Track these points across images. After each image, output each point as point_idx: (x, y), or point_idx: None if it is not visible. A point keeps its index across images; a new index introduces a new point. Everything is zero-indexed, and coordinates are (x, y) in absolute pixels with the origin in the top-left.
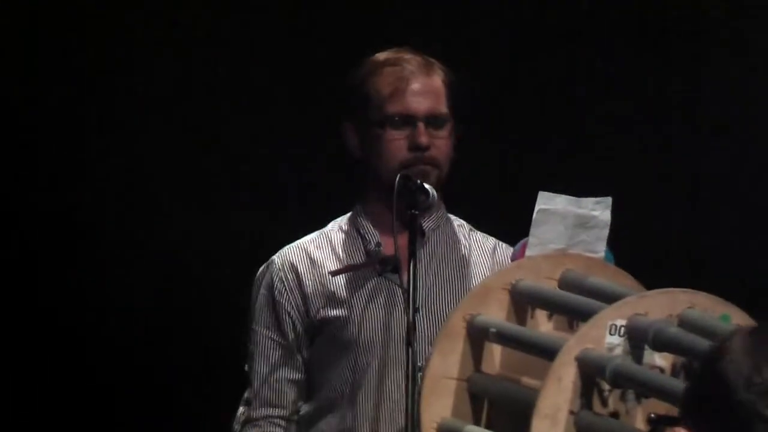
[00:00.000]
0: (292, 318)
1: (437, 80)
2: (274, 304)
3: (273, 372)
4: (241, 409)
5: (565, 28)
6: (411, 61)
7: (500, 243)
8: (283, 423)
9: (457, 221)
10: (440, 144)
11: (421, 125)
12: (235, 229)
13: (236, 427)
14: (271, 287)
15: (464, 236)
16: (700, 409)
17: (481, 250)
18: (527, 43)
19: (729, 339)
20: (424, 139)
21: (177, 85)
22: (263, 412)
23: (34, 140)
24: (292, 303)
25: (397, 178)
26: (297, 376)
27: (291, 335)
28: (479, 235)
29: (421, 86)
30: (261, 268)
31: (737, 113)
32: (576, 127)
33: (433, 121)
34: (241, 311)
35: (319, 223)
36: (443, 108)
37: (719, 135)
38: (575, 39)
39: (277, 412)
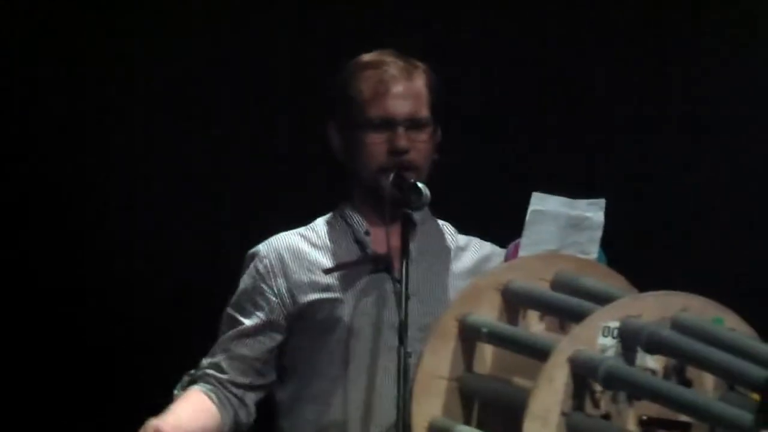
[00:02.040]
0: (270, 305)
1: (419, 83)
2: (254, 290)
3: (232, 346)
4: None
5: (567, 28)
6: (392, 64)
7: (491, 245)
8: (214, 383)
9: (440, 222)
10: (420, 147)
11: (400, 129)
12: (236, 228)
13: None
14: (253, 275)
15: (450, 234)
16: None
17: (468, 248)
18: (527, 44)
19: None
20: (403, 143)
21: (176, 86)
22: (206, 368)
23: (34, 141)
24: (275, 289)
25: (391, 177)
26: (254, 356)
27: (264, 319)
28: (462, 237)
29: (402, 90)
30: (246, 257)
31: (735, 113)
32: (571, 129)
33: (412, 124)
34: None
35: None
36: (424, 111)
37: (717, 137)
38: (577, 39)
39: (218, 374)
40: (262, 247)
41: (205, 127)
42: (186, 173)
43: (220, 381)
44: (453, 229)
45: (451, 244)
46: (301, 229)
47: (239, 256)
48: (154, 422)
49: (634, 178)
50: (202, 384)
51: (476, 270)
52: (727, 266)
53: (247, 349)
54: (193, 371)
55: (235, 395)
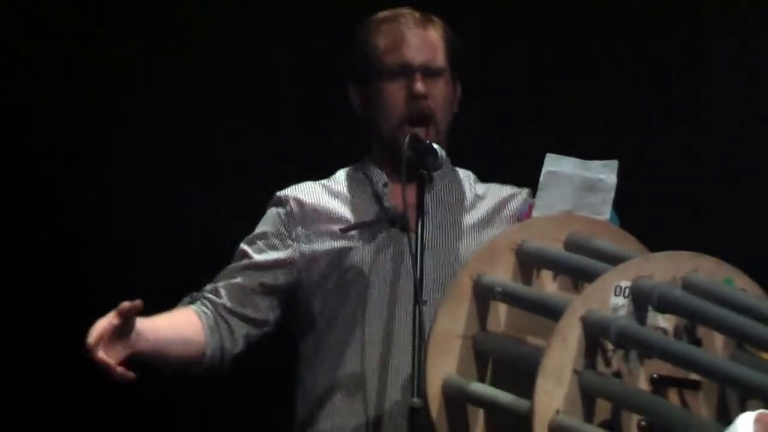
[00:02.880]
0: (285, 246)
1: (434, 34)
2: (271, 231)
3: (235, 275)
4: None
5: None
6: (407, 15)
7: (509, 188)
8: (208, 306)
9: (463, 172)
10: (437, 95)
11: (417, 75)
12: (237, 228)
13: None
14: (273, 217)
15: (470, 185)
16: None
17: (489, 197)
18: (527, 38)
19: None
20: (420, 87)
21: (176, 86)
22: (206, 292)
23: (34, 140)
24: (292, 234)
25: (407, 138)
26: (252, 287)
27: (274, 257)
28: (483, 185)
29: (417, 39)
30: (271, 200)
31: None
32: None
33: (429, 72)
34: None
35: None
36: (440, 60)
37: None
38: (577, 33)
39: (215, 297)
40: (286, 192)
41: (205, 128)
42: (191, 176)
43: (214, 304)
44: (474, 178)
45: (468, 195)
46: (324, 180)
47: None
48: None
49: (649, 139)
50: (197, 304)
51: (492, 217)
52: (740, 228)
53: (249, 279)
54: (194, 293)
55: (226, 321)
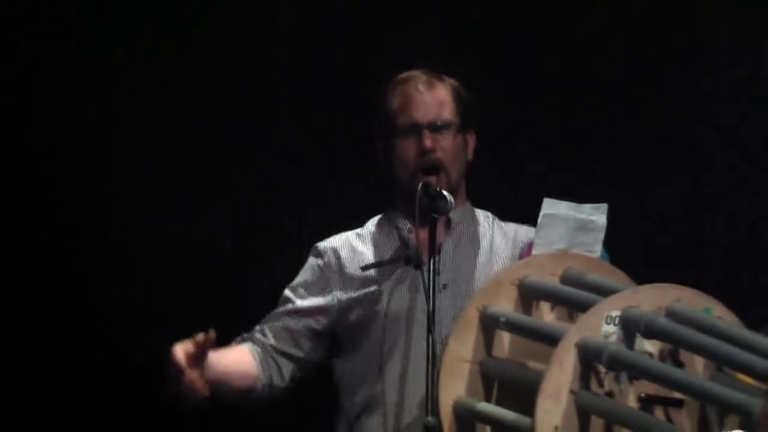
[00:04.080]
0: (324, 295)
1: (441, 92)
2: (312, 280)
3: (280, 318)
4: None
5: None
6: (418, 78)
7: (520, 226)
8: (259, 345)
9: (482, 213)
10: (445, 146)
11: (426, 132)
12: (238, 229)
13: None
14: (314, 267)
15: (488, 224)
16: None
17: (503, 235)
18: (530, 46)
19: None
20: (428, 143)
21: (176, 86)
22: (255, 332)
23: (33, 140)
24: (330, 283)
25: (419, 187)
26: (297, 329)
27: (315, 304)
28: (501, 223)
29: (426, 99)
30: (310, 251)
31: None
32: (571, 134)
33: (436, 127)
34: (245, 312)
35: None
36: (446, 116)
37: (716, 140)
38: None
39: (263, 338)
40: (324, 244)
41: (206, 129)
42: (192, 175)
43: (263, 344)
44: (492, 217)
45: (486, 234)
46: (357, 230)
47: (245, 258)
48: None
49: (633, 184)
50: (250, 343)
51: (507, 254)
52: (716, 262)
53: (293, 322)
54: (245, 333)
55: (274, 360)
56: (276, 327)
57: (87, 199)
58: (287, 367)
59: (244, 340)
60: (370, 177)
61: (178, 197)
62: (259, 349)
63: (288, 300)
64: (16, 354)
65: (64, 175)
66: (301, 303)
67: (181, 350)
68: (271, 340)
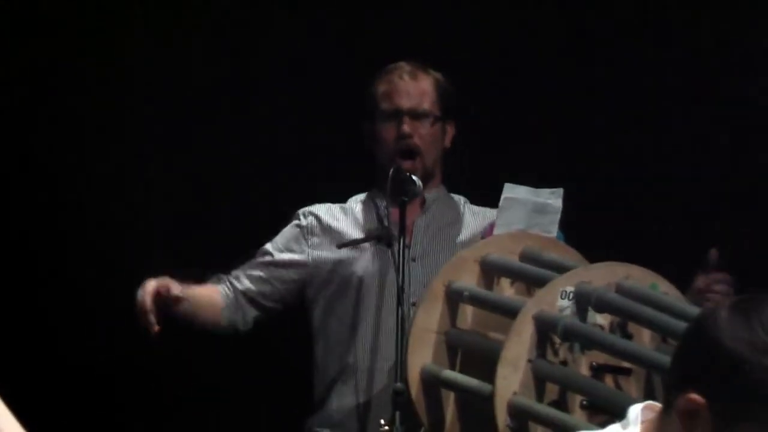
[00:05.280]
0: (301, 251)
1: (424, 83)
2: (292, 237)
3: (257, 267)
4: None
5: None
6: (403, 68)
7: (490, 209)
8: (231, 289)
9: (455, 197)
10: (423, 133)
11: (405, 118)
12: (237, 227)
13: None
14: (295, 227)
15: (460, 206)
16: (706, 375)
17: (472, 215)
18: (524, 44)
19: (713, 312)
20: (405, 128)
21: (176, 86)
22: (229, 275)
23: (33, 141)
24: (309, 243)
25: (391, 171)
26: (268, 278)
27: (290, 258)
28: (473, 206)
29: (408, 88)
30: (295, 214)
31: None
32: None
33: (415, 114)
34: None
35: None
36: (426, 105)
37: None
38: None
39: (236, 282)
40: (308, 209)
41: (206, 130)
42: (191, 176)
43: (234, 288)
44: (465, 201)
45: (459, 216)
46: (341, 204)
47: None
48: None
49: (587, 170)
50: (223, 285)
51: (477, 235)
52: (661, 240)
53: (268, 273)
54: (220, 274)
55: (241, 305)
56: (251, 275)
57: (87, 199)
58: (252, 313)
59: (218, 281)
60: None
61: (178, 197)
62: (229, 292)
63: (266, 252)
64: (16, 354)
65: (63, 176)
66: (279, 256)
67: (150, 292)
68: (244, 286)
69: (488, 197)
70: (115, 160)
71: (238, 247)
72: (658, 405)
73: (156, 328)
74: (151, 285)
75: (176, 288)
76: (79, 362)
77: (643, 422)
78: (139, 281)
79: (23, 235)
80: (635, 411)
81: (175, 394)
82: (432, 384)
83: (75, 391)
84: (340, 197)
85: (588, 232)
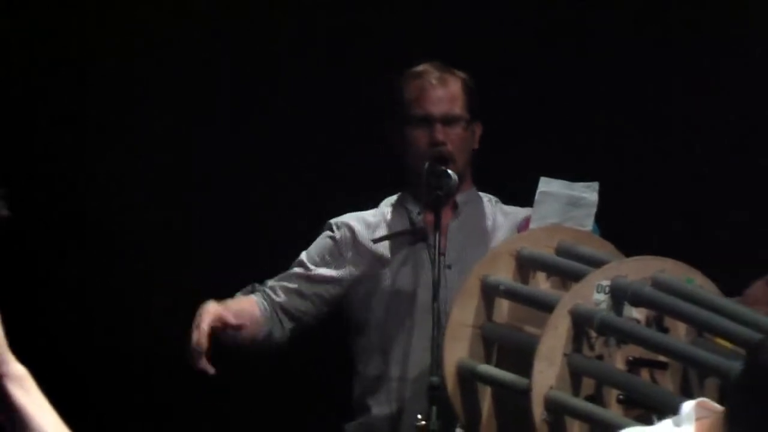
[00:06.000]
0: (337, 267)
1: (454, 88)
2: (327, 250)
3: (294, 280)
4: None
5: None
6: (432, 72)
7: (521, 208)
8: (267, 300)
9: (486, 197)
10: (455, 139)
11: (437, 125)
12: (237, 226)
13: None
14: (328, 239)
15: (491, 207)
16: (745, 399)
17: (504, 216)
18: (529, 42)
19: None
20: (439, 136)
21: (177, 86)
22: (266, 288)
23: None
24: (345, 257)
25: (426, 165)
26: (306, 293)
27: (327, 274)
28: (503, 206)
29: (439, 93)
30: (325, 225)
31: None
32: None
33: (447, 120)
34: None
35: None
36: (457, 110)
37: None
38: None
39: (273, 295)
40: (339, 220)
41: (206, 131)
42: (192, 176)
43: (272, 300)
44: (495, 201)
45: (490, 217)
46: (371, 210)
47: (249, 260)
48: (217, 308)
49: (623, 165)
50: (258, 295)
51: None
52: (698, 234)
53: (305, 287)
54: (256, 284)
55: (278, 316)
56: (287, 287)
57: (86, 198)
58: (289, 325)
59: (253, 291)
60: (382, 170)
61: (178, 197)
62: (266, 303)
63: (302, 264)
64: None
65: (63, 174)
66: (315, 270)
67: (206, 332)
68: (281, 299)
69: (517, 196)
70: (115, 160)
71: (238, 247)
72: (710, 403)
73: (211, 371)
74: (206, 323)
75: (230, 318)
76: (78, 362)
77: (698, 419)
78: (139, 281)
79: (23, 235)
80: (688, 408)
81: (179, 396)
82: (468, 378)
83: (75, 391)
84: (361, 199)
85: (624, 226)
